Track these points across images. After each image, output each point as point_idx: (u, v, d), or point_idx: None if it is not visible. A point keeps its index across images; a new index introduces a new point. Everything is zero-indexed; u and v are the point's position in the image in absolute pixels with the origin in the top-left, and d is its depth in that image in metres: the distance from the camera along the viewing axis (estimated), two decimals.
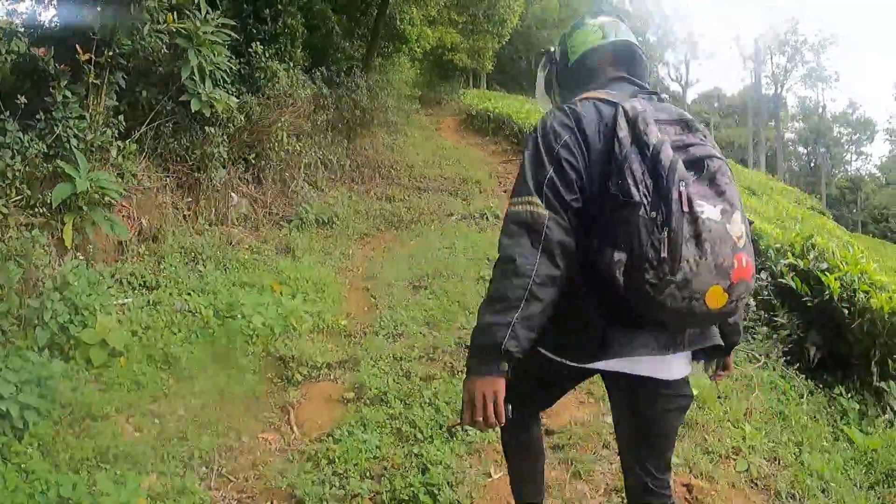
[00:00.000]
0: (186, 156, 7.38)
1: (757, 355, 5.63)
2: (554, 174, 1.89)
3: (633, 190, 1.79)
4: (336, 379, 4.89)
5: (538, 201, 1.87)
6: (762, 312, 6.18)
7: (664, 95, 2.13)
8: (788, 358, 5.69)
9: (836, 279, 5.59)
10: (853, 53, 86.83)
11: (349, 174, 11.42)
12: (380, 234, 9.47)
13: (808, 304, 5.80)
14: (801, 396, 5.10)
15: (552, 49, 2.45)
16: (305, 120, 9.84)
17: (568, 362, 2.08)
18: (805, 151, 65.10)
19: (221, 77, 7.36)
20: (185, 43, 6.64)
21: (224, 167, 7.93)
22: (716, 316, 1.88)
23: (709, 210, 1.75)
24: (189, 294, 5.46)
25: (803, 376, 5.50)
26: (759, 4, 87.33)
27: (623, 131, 1.86)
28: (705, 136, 1.97)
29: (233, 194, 8.35)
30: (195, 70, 6.71)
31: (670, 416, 2.20)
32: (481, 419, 1.90)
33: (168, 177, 7.24)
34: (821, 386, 5.44)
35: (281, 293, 5.97)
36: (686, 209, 1.73)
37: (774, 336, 5.88)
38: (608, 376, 2.19)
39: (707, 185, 1.82)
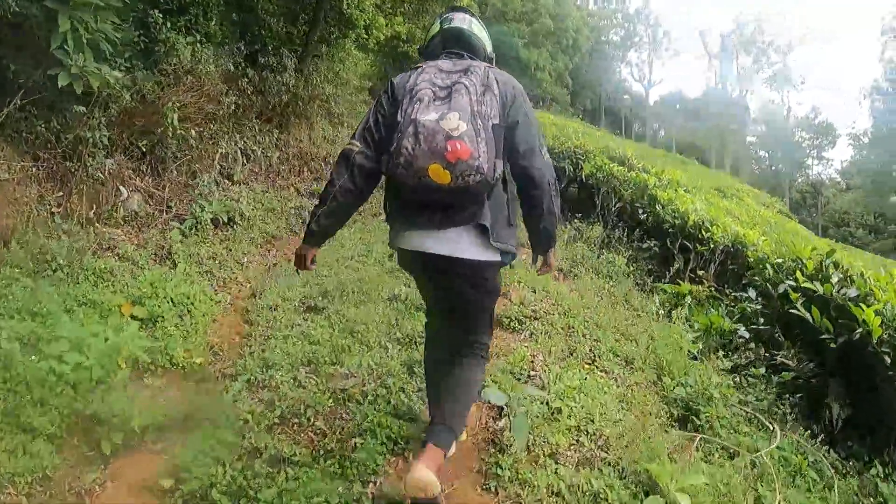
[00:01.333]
0: (57, 141, 6.07)
1: (759, 415, 4.43)
2: (372, 120, 2.82)
3: (399, 115, 2.66)
4: (159, 451, 3.41)
5: (355, 142, 2.80)
6: (759, 348, 5.13)
7: (469, 58, 2.92)
8: (794, 412, 4.53)
9: (875, 313, 4.20)
10: (819, 57, 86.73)
11: (276, 167, 10.19)
12: (291, 236, 8.31)
13: (830, 343, 4.50)
14: (826, 481, 3.90)
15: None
16: (215, 103, 8.52)
17: (394, 247, 2.98)
18: (766, 155, 64.81)
19: (107, 49, 6.05)
20: (54, 4, 5.34)
21: (109, 155, 6.66)
22: (452, 190, 2.55)
23: (430, 115, 2.55)
24: (4, 317, 4.00)
25: (821, 443, 4.28)
26: (726, 4, 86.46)
27: (410, 81, 2.75)
28: (473, 75, 2.69)
29: (122, 188, 7.08)
30: (68, 38, 5.42)
31: (471, 293, 2.98)
32: (300, 267, 3.06)
33: (35, 166, 5.95)
34: (843, 455, 4.26)
35: (130, 317, 4.68)
36: (412, 117, 2.56)
37: (775, 379, 4.75)
38: (425, 262, 2.85)
39: (445, 100, 2.63)
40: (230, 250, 7.08)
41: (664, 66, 64.27)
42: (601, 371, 4.49)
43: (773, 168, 63.55)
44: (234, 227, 7.66)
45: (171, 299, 5.12)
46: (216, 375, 4.49)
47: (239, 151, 9.36)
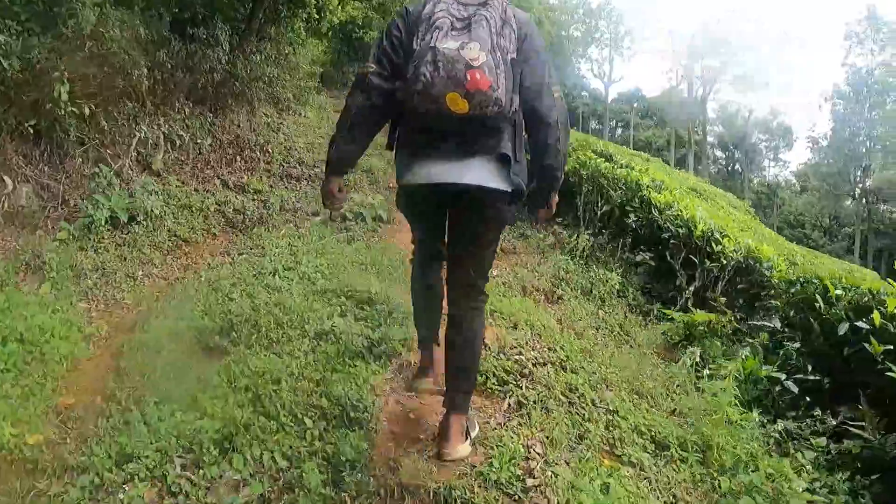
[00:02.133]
0: None
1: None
2: (386, 42, 2.70)
3: (415, 42, 2.56)
4: None
5: (370, 64, 2.70)
6: (812, 406, 3.99)
7: None
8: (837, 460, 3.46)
9: None
10: (785, 60, 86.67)
11: (206, 156, 8.81)
12: (209, 240, 6.93)
13: None
14: None
15: None
16: (126, 77, 7.12)
17: (400, 182, 2.83)
18: (724, 156, 64.69)
19: None
20: None
21: None
22: (470, 119, 2.52)
23: (450, 44, 2.46)
24: None
25: None
26: (693, 3, 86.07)
27: (426, 10, 2.62)
28: (492, 7, 2.60)
29: (6, 178, 5.75)
30: None
31: (487, 224, 2.92)
32: (328, 203, 2.87)
33: None
34: None
35: None
36: (432, 45, 2.47)
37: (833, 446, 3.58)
38: (441, 194, 2.81)
39: (464, 30, 2.53)
40: (124, 259, 5.67)
41: (626, 63, 63.22)
42: (628, 465, 3.10)
43: (730, 169, 63.43)
44: (137, 228, 6.26)
45: (19, 335, 3.68)
46: (52, 468, 2.81)
47: (162, 136, 8.03)
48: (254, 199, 8.02)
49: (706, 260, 5.94)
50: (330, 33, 19.75)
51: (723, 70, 55.58)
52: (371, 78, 2.66)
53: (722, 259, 5.82)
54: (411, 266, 3.45)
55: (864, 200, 48.08)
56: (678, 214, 6.45)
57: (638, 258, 6.64)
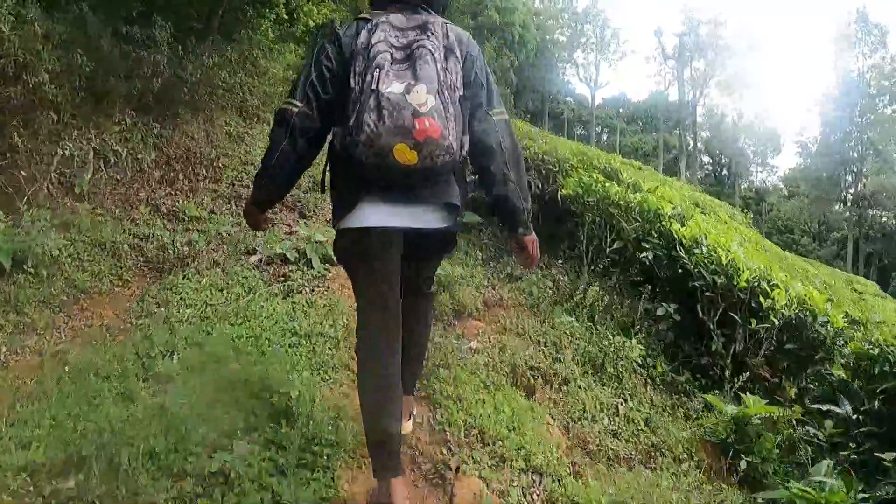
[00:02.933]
0: None
1: None
2: (315, 77, 2.44)
3: (352, 80, 2.32)
4: None
5: (294, 101, 2.44)
6: None
7: (423, 10, 2.55)
8: None
9: None
10: (773, 63, 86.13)
11: (147, 174, 7.58)
12: (117, 289, 5.33)
13: None
14: None
15: None
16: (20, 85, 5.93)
17: (342, 226, 2.53)
18: (710, 161, 64.06)
19: None
20: None
21: None
22: (418, 170, 2.28)
23: (394, 86, 2.24)
24: None
25: None
26: (678, 5, 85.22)
27: (361, 39, 2.38)
28: (433, 34, 2.40)
29: None
30: None
31: (437, 252, 2.94)
32: (250, 224, 2.84)
33: None
34: None
35: None
36: (373, 87, 2.24)
37: None
38: (390, 238, 2.57)
39: (406, 65, 2.32)
40: None
41: (613, 68, 62.80)
42: None
43: (717, 174, 62.77)
44: (23, 277, 4.79)
45: None
46: None
47: (92, 153, 6.84)
48: (186, 230, 6.57)
49: (751, 318, 4.70)
50: (307, 38, 18.70)
51: (710, 73, 54.82)
52: (296, 119, 2.44)
53: (772, 317, 4.58)
54: (358, 357, 2.81)
55: (856, 205, 47.67)
56: (712, 256, 5.10)
57: (659, 311, 5.26)
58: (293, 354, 4.07)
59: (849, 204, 49.49)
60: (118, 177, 7.16)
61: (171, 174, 7.93)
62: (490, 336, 4.93)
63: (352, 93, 2.30)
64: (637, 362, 4.72)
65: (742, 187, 59.46)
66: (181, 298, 5.00)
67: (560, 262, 6.48)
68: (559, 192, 6.43)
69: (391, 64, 2.32)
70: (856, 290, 17.08)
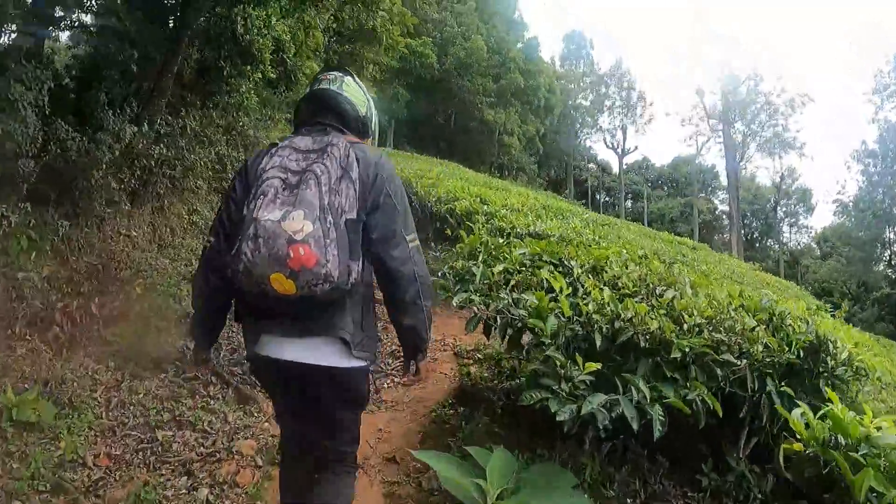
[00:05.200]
0: None
1: None
2: (224, 210, 2.46)
3: (244, 208, 2.27)
4: None
5: (210, 237, 2.47)
6: None
7: (331, 130, 2.51)
8: None
9: None
10: (804, 120, 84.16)
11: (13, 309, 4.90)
12: None
13: None
14: None
15: None
16: None
17: (247, 353, 2.55)
18: (742, 224, 61.88)
19: None
20: None
21: None
22: (297, 300, 2.19)
23: (271, 214, 2.18)
24: None
25: None
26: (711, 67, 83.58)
27: (262, 165, 2.35)
28: (328, 156, 2.33)
29: None
30: None
31: (336, 404, 2.59)
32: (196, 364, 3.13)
33: None
34: None
35: None
36: (254, 216, 2.19)
37: None
38: (282, 370, 2.45)
39: (290, 193, 2.25)
40: None
41: (641, 132, 59.79)
42: None
43: (748, 237, 60.43)
44: None
45: None
46: None
47: None
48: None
49: None
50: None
51: (754, 133, 52.21)
52: (208, 254, 2.49)
53: None
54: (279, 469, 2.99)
55: None
56: None
57: None
58: None
59: (893, 263, 47.50)
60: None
61: (88, 288, 5.38)
62: None
63: (241, 222, 2.26)
64: None
65: (775, 249, 57.05)
66: None
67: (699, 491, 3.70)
68: None
69: (282, 190, 2.28)
70: None
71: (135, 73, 7.86)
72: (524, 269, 3.61)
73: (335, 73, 2.72)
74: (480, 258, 3.69)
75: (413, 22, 18.08)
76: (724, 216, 62.94)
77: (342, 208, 2.28)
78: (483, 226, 7.08)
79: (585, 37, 58.91)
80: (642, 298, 3.38)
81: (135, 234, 6.77)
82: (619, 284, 3.49)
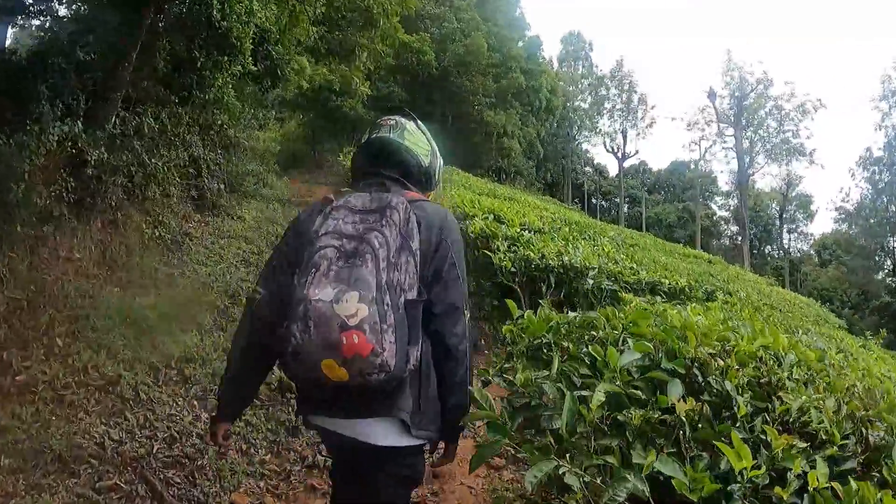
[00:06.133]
0: None
1: None
2: (277, 263, 2.23)
3: (297, 277, 1.97)
4: None
5: (259, 288, 2.20)
6: None
7: (391, 185, 2.27)
8: None
9: None
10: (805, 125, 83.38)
11: None
12: None
13: None
14: None
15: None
16: None
17: (299, 417, 2.32)
18: (736, 230, 61.32)
19: None
20: None
21: None
22: (350, 387, 1.95)
23: (323, 293, 1.89)
24: None
25: None
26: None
27: (316, 224, 2.08)
28: (387, 222, 2.05)
29: None
30: None
31: (380, 480, 2.25)
32: (212, 441, 2.37)
33: None
34: None
35: None
36: (304, 292, 1.89)
37: None
38: (334, 441, 2.30)
39: (344, 264, 1.96)
40: None
41: (642, 135, 58.19)
42: None
43: (738, 243, 59.88)
44: None
45: None
46: None
47: None
48: None
49: None
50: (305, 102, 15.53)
51: (765, 138, 51.04)
52: (258, 309, 2.20)
53: None
54: None
55: None
56: None
57: None
58: None
59: None
60: None
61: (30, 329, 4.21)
62: None
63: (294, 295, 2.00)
64: None
65: (774, 256, 57.51)
66: None
67: None
68: None
69: (336, 260, 2.01)
70: None
71: (90, 62, 6.69)
72: (637, 388, 2.06)
73: (396, 118, 2.49)
74: (555, 365, 2.30)
75: (413, 5, 16.82)
76: (723, 222, 62.30)
77: (401, 287, 2.03)
78: (505, 254, 5.71)
79: (584, 38, 57.87)
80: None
81: (78, 255, 5.57)
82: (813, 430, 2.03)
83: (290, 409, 4.63)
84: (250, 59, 9.32)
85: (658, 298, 4.95)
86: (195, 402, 4.47)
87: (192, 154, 9.09)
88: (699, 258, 16.79)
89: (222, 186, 9.82)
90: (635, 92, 54.80)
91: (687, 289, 6.77)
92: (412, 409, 2.16)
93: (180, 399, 4.44)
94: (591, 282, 5.63)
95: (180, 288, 6.05)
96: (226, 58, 8.75)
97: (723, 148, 52.95)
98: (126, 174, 6.42)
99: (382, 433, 2.16)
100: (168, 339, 5.05)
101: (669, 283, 6.62)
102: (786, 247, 59.89)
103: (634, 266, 6.86)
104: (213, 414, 2.42)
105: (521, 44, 37.55)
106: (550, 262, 5.72)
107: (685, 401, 1.88)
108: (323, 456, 4.17)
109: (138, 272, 6.13)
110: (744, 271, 21.76)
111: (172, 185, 8.06)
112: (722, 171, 61.70)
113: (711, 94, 51.74)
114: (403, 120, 2.48)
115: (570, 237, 8.10)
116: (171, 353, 4.83)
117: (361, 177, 2.36)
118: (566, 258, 5.80)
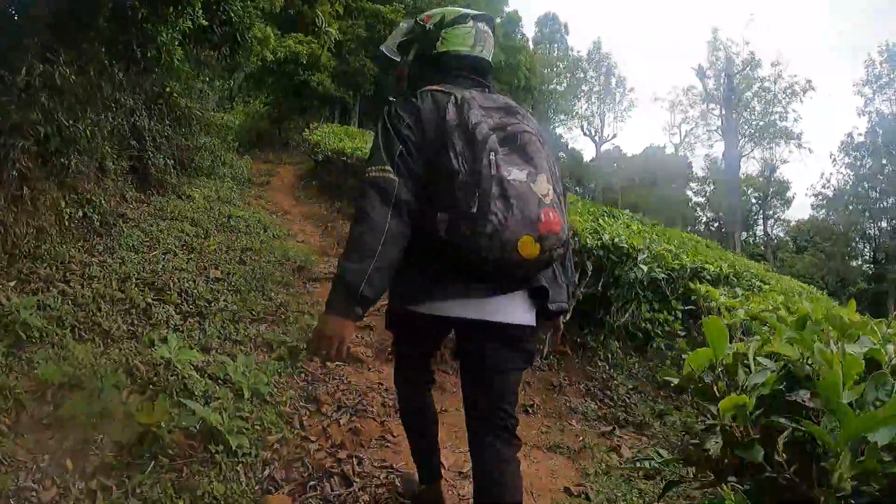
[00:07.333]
0: None
1: None
2: (403, 149, 2.10)
3: (454, 162, 2.03)
4: None
5: (390, 170, 2.07)
6: None
7: (493, 89, 2.39)
8: None
9: None
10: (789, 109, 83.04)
11: None
12: None
13: None
14: None
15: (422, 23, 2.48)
16: None
17: (410, 307, 2.25)
18: (712, 216, 60.53)
19: None
20: None
21: None
22: (531, 265, 2.06)
23: (515, 173, 2.03)
24: None
25: None
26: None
27: (451, 115, 2.11)
28: (524, 117, 2.22)
29: None
30: None
31: (512, 359, 2.28)
32: (325, 353, 2.07)
33: None
34: None
35: None
36: (494, 172, 2.00)
37: None
38: (456, 327, 2.30)
39: (518, 154, 2.10)
40: None
41: (620, 118, 57.58)
42: None
43: (723, 230, 58.99)
44: None
45: None
46: None
47: None
48: None
49: None
50: (263, 72, 14.41)
51: (745, 122, 50.16)
52: (400, 192, 2.07)
53: None
54: (396, 386, 2.88)
55: (882, 260, 44.89)
56: None
57: None
58: None
59: (875, 258, 46.32)
60: None
61: None
62: None
63: (457, 176, 2.04)
64: None
65: (749, 242, 55.87)
66: None
67: None
68: None
69: (505, 145, 2.12)
70: None
71: None
72: None
73: (487, 27, 2.51)
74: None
75: None
76: (697, 207, 61.72)
77: (559, 175, 2.19)
78: None
79: (559, 20, 56.95)
80: None
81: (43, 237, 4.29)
82: None
83: None
84: (201, 12, 8.02)
85: (738, 291, 3.80)
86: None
87: (133, 123, 7.81)
88: (697, 242, 15.79)
89: (170, 162, 8.55)
90: (613, 74, 54.07)
91: (732, 276, 5.62)
92: (549, 279, 2.26)
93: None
94: (644, 268, 4.42)
95: (95, 281, 4.74)
96: (171, 9, 7.43)
97: (706, 130, 52.10)
98: (33, 136, 5.09)
99: (520, 311, 2.21)
100: (51, 351, 3.74)
101: (714, 269, 5.44)
102: (769, 233, 59.29)
103: (672, 248, 5.57)
104: (340, 315, 2.06)
105: (498, 20, 36.44)
106: (587, 241, 4.45)
107: None
108: None
109: (48, 263, 4.83)
110: (738, 258, 20.98)
111: (108, 158, 6.78)
112: (698, 156, 60.45)
113: (700, 72, 50.86)
114: (490, 31, 2.49)
115: (585, 213, 6.87)
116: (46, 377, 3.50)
117: (453, 77, 2.32)
118: (606, 236, 4.53)
